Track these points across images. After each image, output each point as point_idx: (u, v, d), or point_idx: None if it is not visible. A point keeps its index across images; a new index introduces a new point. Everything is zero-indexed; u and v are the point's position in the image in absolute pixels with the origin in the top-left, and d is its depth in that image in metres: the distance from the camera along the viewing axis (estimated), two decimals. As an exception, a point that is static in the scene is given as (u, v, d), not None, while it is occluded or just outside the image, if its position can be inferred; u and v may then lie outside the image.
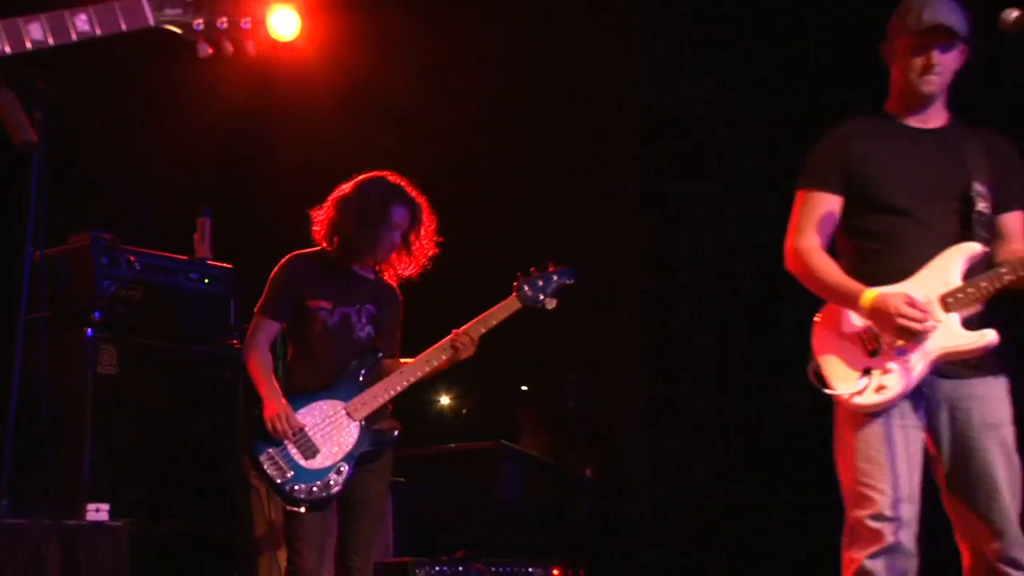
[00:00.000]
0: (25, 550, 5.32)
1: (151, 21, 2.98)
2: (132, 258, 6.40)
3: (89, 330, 6.28)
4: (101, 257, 6.61)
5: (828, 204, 4.67)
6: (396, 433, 5.92)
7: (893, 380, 4.45)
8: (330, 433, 5.71)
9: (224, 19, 3.06)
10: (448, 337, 5.80)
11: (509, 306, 5.84)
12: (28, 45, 2.85)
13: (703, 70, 8.52)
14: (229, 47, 3.04)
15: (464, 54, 8.73)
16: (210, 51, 3.05)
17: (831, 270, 4.61)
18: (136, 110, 7.56)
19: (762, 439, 7.75)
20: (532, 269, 5.88)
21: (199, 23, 3.04)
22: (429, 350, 5.81)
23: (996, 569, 4.39)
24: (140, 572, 5.82)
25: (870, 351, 4.54)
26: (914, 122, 4.73)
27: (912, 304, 4.38)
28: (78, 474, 6.11)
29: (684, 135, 8.76)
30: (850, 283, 4.54)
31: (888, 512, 4.38)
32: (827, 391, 4.51)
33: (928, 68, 4.64)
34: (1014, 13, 4.42)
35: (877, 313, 4.44)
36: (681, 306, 8.29)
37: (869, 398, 4.44)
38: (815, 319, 4.68)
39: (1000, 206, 4.67)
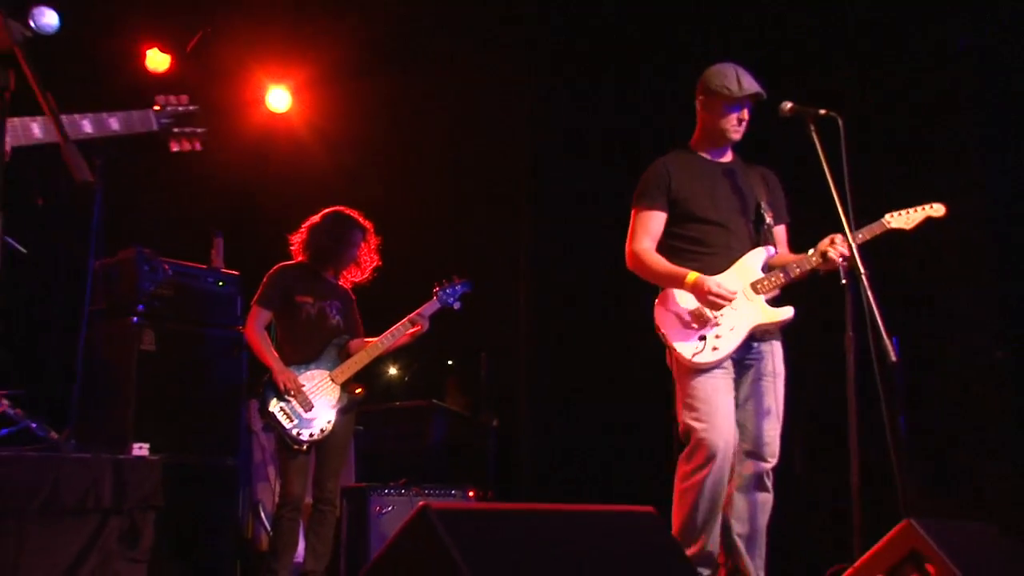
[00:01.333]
0: (88, 477, 5.42)
1: (155, 127, 3.16)
2: (166, 266, 6.60)
3: (134, 318, 6.45)
4: (143, 265, 6.63)
5: (656, 219, 4.84)
6: (360, 393, 6.11)
7: (724, 343, 4.60)
8: (320, 393, 5.94)
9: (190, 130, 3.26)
10: (407, 317, 6.06)
11: (432, 305, 6.09)
12: (81, 134, 2.97)
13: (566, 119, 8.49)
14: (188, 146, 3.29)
15: (399, 117, 8.73)
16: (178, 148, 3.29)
17: (662, 262, 4.77)
18: (169, 159, 7.59)
19: (614, 397, 7.77)
20: (444, 280, 6.18)
21: (176, 130, 3.22)
22: (392, 328, 6.08)
23: (742, 462, 4.65)
24: (169, 494, 5.79)
25: (703, 323, 4.61)
26: (713, 156, 4.97)
27: (719, 286, 4.55)
28: (126, 421, 6.26)
29: (557, 172, 8.69)
30: (677, 269, 4.71)
31: (716, 438, 4.49)
32: (679, 356, 4.60)
33: (740, 122, 4.85)
34: (788, 104, 4.69)
35: (696, 289, 4.62)
36: (557, 303, 8.31)
37: (707, 356, 4.59)
38: (656, 302, 4.77)
39: (773, 221, 4.92)
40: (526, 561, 2.36)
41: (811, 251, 4.63)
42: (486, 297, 6.38)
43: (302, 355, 5.98)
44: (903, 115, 6.84)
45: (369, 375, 6.19)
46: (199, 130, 3.35)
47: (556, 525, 2.60)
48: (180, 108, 3.30)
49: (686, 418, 4.59)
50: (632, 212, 4.89)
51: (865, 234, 4.66)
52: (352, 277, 6.29)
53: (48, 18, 7.29)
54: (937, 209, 4.75)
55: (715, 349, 4.57)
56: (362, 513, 6.42)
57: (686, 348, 4.60)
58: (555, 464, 8.24)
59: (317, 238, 6.15)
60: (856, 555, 3.86)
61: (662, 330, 4.71)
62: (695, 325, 4.63)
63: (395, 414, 8.18)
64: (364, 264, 6.26)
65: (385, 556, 2.41)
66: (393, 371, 9.40)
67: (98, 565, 5.51)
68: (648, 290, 4.86)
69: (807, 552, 4.72)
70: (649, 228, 4.82)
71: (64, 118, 2.95)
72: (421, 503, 2.35)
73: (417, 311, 6.05)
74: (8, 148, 2.80)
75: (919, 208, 4.75)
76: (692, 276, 4.60)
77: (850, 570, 3.80)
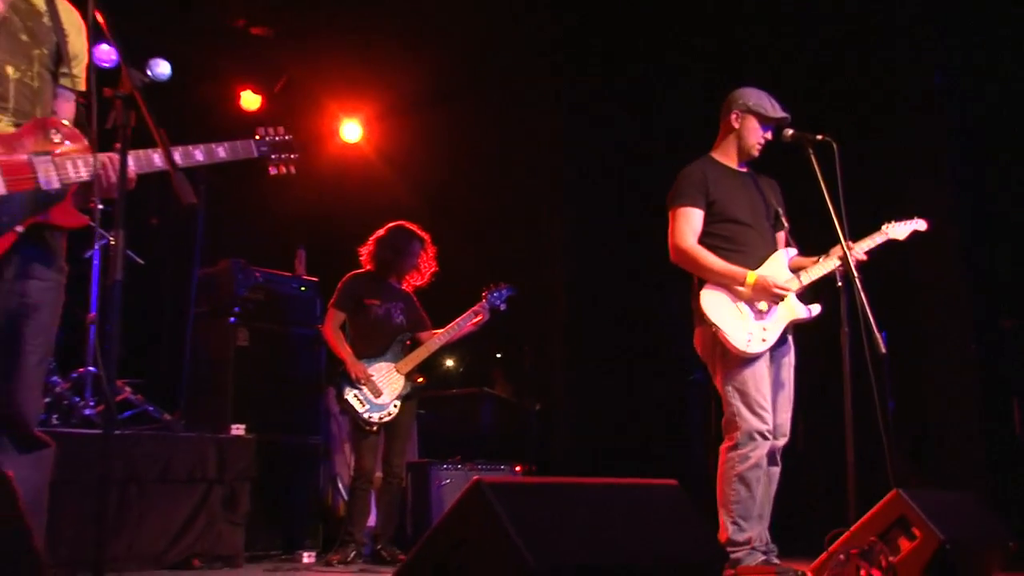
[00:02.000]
0: (195, 452, 5.57)
1: (255, 154, 3.21)
2: (257, 275, 6.65)
3: (231, 319, 6.50)
4: (238, 274, 6.62)
5: (696, 216, 4.55)
6: (421, 381, 6.12)
7: (769, 335, 4.41)
8: (387, 381, 5.93)
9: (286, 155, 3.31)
10: (469, 311, 6.02)
11: (481, 309, 6.03)
12: (194, 161, 3.03)
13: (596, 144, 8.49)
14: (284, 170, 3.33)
15: (450, 142, 8.79)
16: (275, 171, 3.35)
17: (718, 260, 4.47)
18: (259, 183, 7.68)
19: (640, 384, 7.77)
20: (492, 285, 6.08)
21: (273, 156, 3.27)
22: (455, 321, 6.04)
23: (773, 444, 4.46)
24: (262, 467, 5.92)
25: (759, 315, 4.41)
26: (735, 166, 4.73)
27: (785, 282, 4.44)
28: (225, 406, 6.33)
29: (587, 195, 8.60)
30: (736, 268, 4.45)
31: (763, 424, 4.33)
32: (730, 345, 4.35)
33: (764, 141, 4.68)
34: (789, 131, 4.64)
35: (760, 287, 4.40)
36: (588, 303, 8.31)
37: (757, 346, 4.37)
38: (702, 297, 4.44)
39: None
40: (565, 528, 2.39)
41: (823, 257, 4.50)
42: (527, 299, 6.38)
43: (371, 350, 5.97)
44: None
45: (428, 366, 6.20)
46: (293, 156, 3.37)
47: (589, 496, 2.62)
48: (277, 138, 3.31)
49: (736, 404, 4.35)
50: (671, 211, 4.62)
51: (869, 243, 4.60)
52: (413, 281, 6.22)
53: (162, 68, 7.45)
54: (920, 224, 4.70)
55: (763, 340, 4.38)
56: (424, 484, 6.41)
57: (738, 339, 4.34)
58: (588, 442, 8.15)
59: (382, 249, 6.13)
60: (851, 521, 3.87)
61: (713, 322, 4.39)
62: (747, 317, 4.40)
63: (451, 400, 8.18)
64: (423, 270, 6.21)
65: (444, 523, 2.42)
66: (449, 363, 9.39)
67: (205, 526, 5.63)
68: (670, 288, 4.73)
69: (808, 519, 4.66)
70: (692, 225, 4.54)
71: (179, 149, 2.99)
72: (475, 477, 2.36)
73: (472, 309, 6.00)
74: (132, 175, 2.86)
75: (909, 221, 4.70)
76: (753, 275, 4.40)
77: (847, 534, 3.79)
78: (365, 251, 6.22)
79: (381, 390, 5.88)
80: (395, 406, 5.89)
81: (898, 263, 5.95)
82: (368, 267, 6.18)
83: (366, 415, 5.84)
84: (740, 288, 4.43)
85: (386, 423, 5.89)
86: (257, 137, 3.25)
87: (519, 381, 8.77)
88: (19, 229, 2.79)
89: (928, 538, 3.57)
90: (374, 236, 6.23)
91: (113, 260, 2.77)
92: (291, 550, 6.16)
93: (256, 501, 5.89)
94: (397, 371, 5.96)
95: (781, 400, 4.51)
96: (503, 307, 6.06)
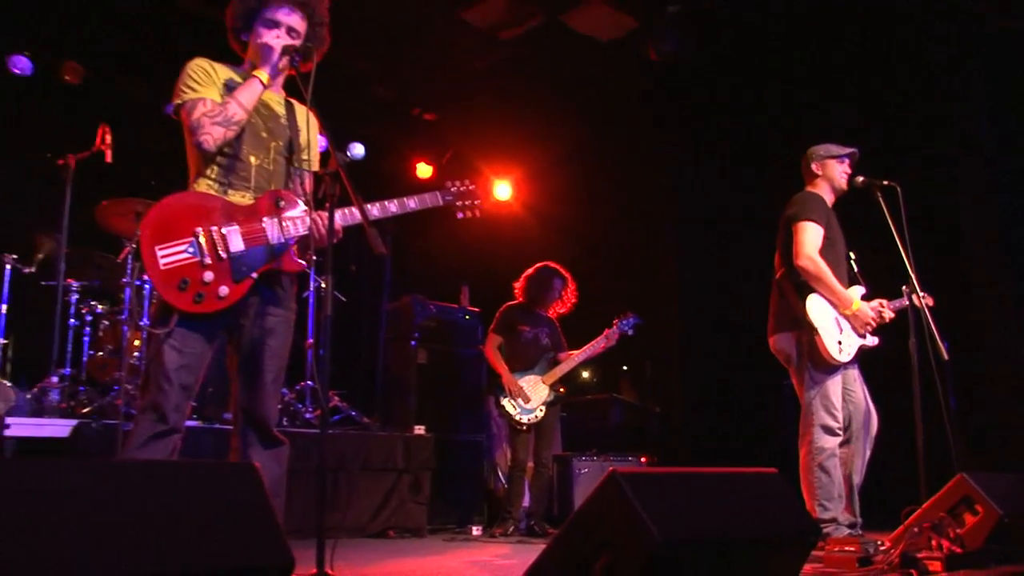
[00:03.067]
0: (387, 448, 5.70)
1: (442, 203, 3.22)
2: (431, 307, 6.72)
3: (412, 342, 6.55)
4: (416, 306, 6.74)
5: (820, 233, 4.26)
6: (562, 391, 6.08)
7: (851, 349, 4.23)
8: (535, 391, 5.91)
9: (471, 202, 3.30)
10: (602, 334, 5.92)
11: (612, 334, 5.90)
12: (389, 212, 3.08)
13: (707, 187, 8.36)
14: (470, 214, 3.29)
15: (583, 195, 8.80)
16: (462, 215, 3.31)
17: (834, 278, 4.23)
18: (433, 235, 7.83)
19: (744, 390, 7.60)
20: (621, 314, 5.95)
21: (459, 203, 3.28)
22: (587, 345, 5.96)
23: (861, 434, 4.32)
24: (439, 459, 6.04)
25: (850, 331, 4.25)
26: (830, 204, 4.48)
27: (869, 315, 4.28)
28: (409, 411, 6.39)
29: (696, 237, 8.45)
30: (846, 293, 4.26)
31: (838, 423, 4.19)
32: (825, 351, 4.14)
33: (847, 174, 4.48)
34: (860, 178, 4.46)
35: (858, 315, 4.25)
36: (700, 324, 8.18)
37: (845, 357, 4.20)
38: (808, 309, 4.18)
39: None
40: (683, 508, 2.37)
41: (896, 301, 4.35)
42: (648, 322, 6.25)
43: (522, 365, 5.96)
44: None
45: (568, 378, 6.13)
46: (478, 202, 3.25)
47: (702, 482, 2.58)
48: (463, 188, 3.23)
49: (815, 404, 4.18)
50: (798, 224, 4.27)
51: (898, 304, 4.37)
52: (558, 310, 6.19)
53: (358, 150, 7.70)
54: (928, 299, 4.38)
55: (848, 353, 4.20)
56: (567, 473, 6.32)
57: (832, 347, 4.14)
58: (700, 438, 8.00)
59: (530, 285, 6.14)
60: (923, 500, 3.77)
61: (816, 327, 4.15)
62: (842, 330, 4.21)
63: (587, 404, 8.11)
64: (566, 301, 6.18)
65: (586, 505, 2.41)
66: (585, 375, 9.31)
67: (397, 505, 5.75)
68: (762, 312, 4.51)
69: (886, 498, 4.48)
70: (817, 239, 4.24)
71: (377, 204, 3.02)
72: (610, 468, 2.35)
73: (604, 333, 5.89)
74: (338, 228, 2.89)
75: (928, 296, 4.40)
76: (856, 305, 4.21)
77: (920, 511, 3.69)
78: (517, 286, 6.21)
79: (530, 397, 5.86)
80: (541, 410, 5.86)
81: (960, 281, 5.82)
82: (520, 299, 6.19)
83: (518, 417, 5.84)
84: (843, 310, 4.25)
85: (534, 424, 5.86)
86: (445, 188, 3.26)
87: (642, 388, 8.66)
88: (254, 275, 2.89)
89: (989, 513, 3.50)
90: (524, 274, 6.22)
91: (324, 299, 2.88)
92: (463, 525, 6.18)
93: (435, 486, 6.01)
94: (543, 382, 5.92)
95: (868, 401, 4.33)
96: (631, 333, 5.94)
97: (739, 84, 7.72)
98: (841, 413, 4.21)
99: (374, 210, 3.01)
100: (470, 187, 3.25)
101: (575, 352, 6.01)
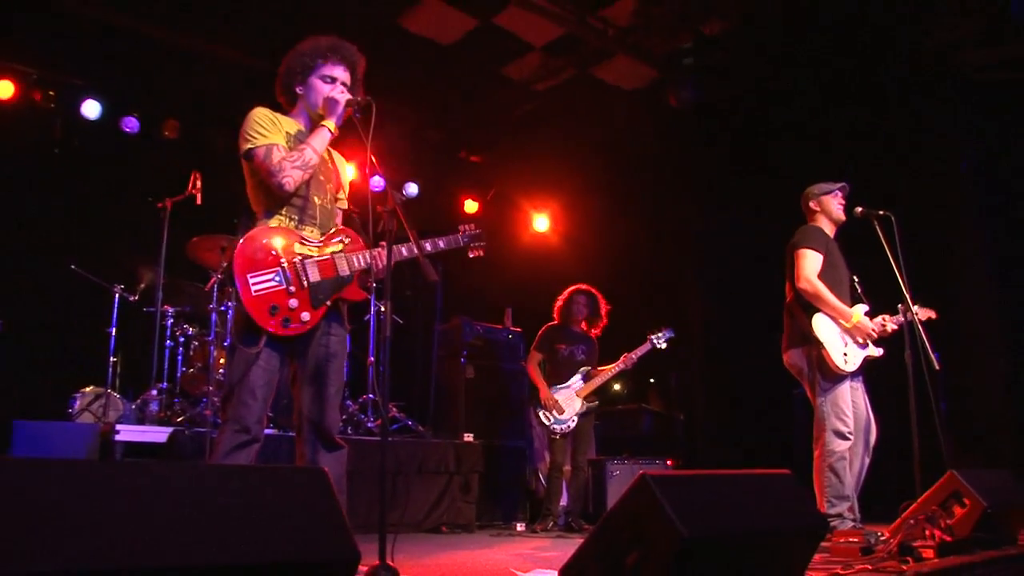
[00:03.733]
0: (440, 453, 5.70)
1: (460, 244, 3.24)
2: (478, 327, 6.74)
3: (462, 359, 6.57)
4: (465, 327, 6.75)
5: (818, 260, 4.26)
6: (596, 402, 5.99)
7: (855, 361, 4.19)
8: (569, 403, 5.86)
9: (478, 243, 3.31)
10: (621, 359, 5.86)
11: (645, 347, 5.84)
12: (426, 250, 3.10)
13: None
14: (478, 253, 3.31)
15: (613, 223, 8.73)
16: (473, 255, 3.34)
17: (832, 296, 4.20)
18: (475, 263, 7.84)
19: (760, 401, 7.45)
20: (654, 329, 5.87)
21: (471, 244, 3.28)
22: (616, 362, 5.89)
23: (862, 439, 4.25)
24: (486, 463, 6.10)
25: (855, 343, 4.20)
26: (831, 235, 4.47)
27: (873, 329, 4.24)
28: (459, 419, 6.42)
29: (717, 261, 8.26)
30: (844, 307, 4.22)
31: (850, 428, 4.14)
32: (831, 362, 4.11)
33: (842, 205, 4.47)
34: (859, 208, 4.44)
35: (858, 327, 4.20)
36: (720, 340, 8.08)
37: (850, 367, 4.16)
38: (814, 326, 4.17)
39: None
40: (707, 506, 2.34)
41: (892, 317, 4.28)
42: (672, 340, 6.20)
43: (559, 379, 5.90)
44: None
45: (601, 390, 6.09)
46: (482, 243, 3.27)
47: (724, 483, 2.55)
48: (473, 231, 3.24)
49: (827, 410, 4.11)
50: (798, 251, 4.30)
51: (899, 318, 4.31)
52: (595, 326, 6.09)
53: (412, 188, 7.74)
54: (932, 313, 4.39)
55: (852, 363, 4.15)
56: (601, 475, 6.26)
57: (837, 358, 4.11)
58: (721, 443, 7.84)
59: (563, 307, 6.11)
60: (917, 494, 3.79)
61: (821, 341, 4.13)
62: (844, 344, 4.17)
63: (619, 413, 8.07)
64: (599, 317, 6.10)
65: (619, 505, 2.39)
66: (617, 387, 9.27)
67: (448, 504, 5.73)
68: (775, 327, 4.48)
69: (884, 493, 4.44)
70: (815, 265, 4.24)
71: (405, 246, 3.01)
72: (640, 471, 2.34)
73: (635, 351, 5.80)
74: (393, 263, 2.89)
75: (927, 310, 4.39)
76: (856, 318, 4.17)
77: (915, 504, 3.72)
78: (557, 307, 6.18)
79: (564, 409, 5.80)
80: (573, 421, 5.80)
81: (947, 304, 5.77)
82: (556, 320, 6.16)
83: (552, 426, 5.80)
84: (844, 323, 4.21)
85: (568, 432, 5.80)
86: (460, 232, 3.31)
87: (668, 398, 8.58)
88: (328, 303, 2.93)
89: (975, 505, 3.56)
90: (560, 296, 6.18)
91: (384, 322, 2.90)
92: (507, 521, 6.15)
93: (482, 487, 6.03)
94: (576, 395, 5.85)
95: (869, 409, 4.28)
96: (664, 346, 5.83)
97: (754, 121, 7.63)
98: (851, 418, 4.15)
99: (402, 251, 3.01)
100: (477, 231, 3.28)
101: (606, 368, 5.94)
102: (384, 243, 2.87)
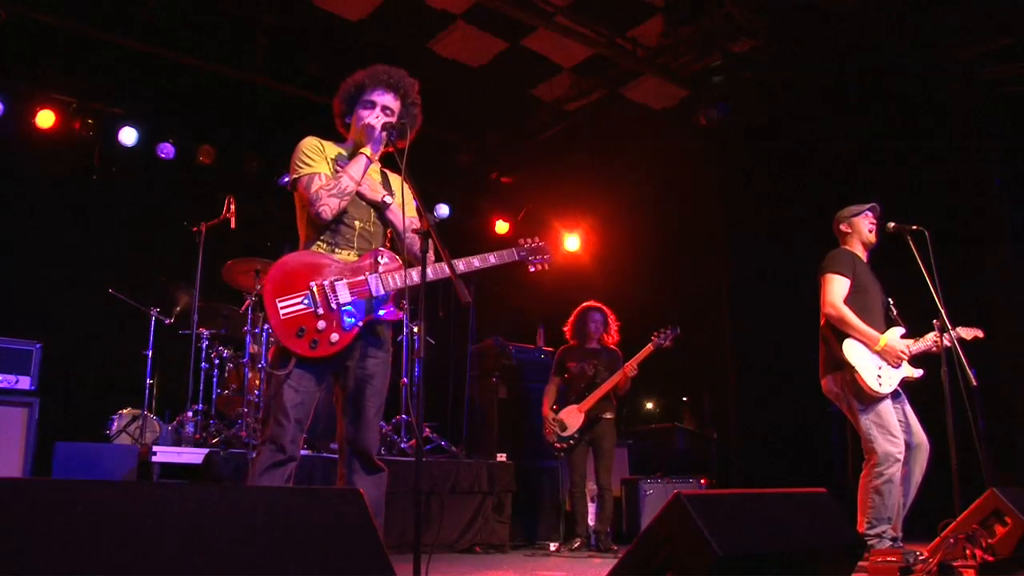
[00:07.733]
0: (474, 472, 5.72)
1: (517, 258, 3.23)
2: (510, 347, 6.71)
3: (494, 379, 6.58)
4: (498, 348, 6.72)
5: (845, 285, 4.25)
6: (609, 416, 5.81)
7: (891, 382, 4.13)
8: (572, 419, 5.77)
9: (541, 257, 3.29)
10: (620, 372, 5.73)
11: (647, 349, 5.69)
12: (473, 267, 3.11)
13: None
14: (541, 267, 3.28)
15: (638, 243, 8.70)
16: (534, 269, 3.29)
17: (859, 321, 4.18)
18: (512, 285, 7.85)
19: (795, 419, 7.37)
20: (660, 330, 5.73)
21: (531, 258, 3.28)
22: (612, 377, 5.75)
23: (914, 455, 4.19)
24: (519, 483, 6.04)
25: (887, 366, 4.15)
26: (863, 258, 4.45)
27: (903, 352, 4.19)
28: (492, 439, 6.40)
29: (747, 282, 8.23)
30: (872, 331, 4.18)
31: (898, 448, 4.08)
32: (865, 385, 4.07)
33: (873, 226, 4.45)
34: (892, 224, 4.41)
35: (887, 350, 4.16)
36: (754, 359, 8.00)
37: (886, 388, 4.11)
38: (845, 351, 4.14)
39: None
40: (742, 525, 2.33)
41: (927, 337, 4.22)
42: (706, 357, 6.18)
43: (570, 397, 5.80)
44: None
45: (634, 409, 6.07)
46: (547, 257, 3.23)
47: (758, 502, 2.54)
48: (534, 244, 3.22)
49: (873, 433, 4.08)
50: (825, 276, 4.31)
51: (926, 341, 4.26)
52: (610, 338, 5.99)
53: (442, 210, 7.80)
54: (979, 333, 4.31)
55: (888, 384, 4.11)
56: (635, 494, 6.25)
57: (871, 380, 4.08)
58: (755, 462, 7.79)
59: (573, 326, 6.06)
60: (957, 513, 3.73)
61: (853, 365, 4.12)
62: (879, 365, 4.13)
63: (653, 432, 8.01)
64: (611, 333, 6.01)
65: (654, 523, 2.39)
66: (649, 406, 9.26)
67: (482, 524, 5.73)
68: (810, 345, 4.45)
69: (925, 511, 4.37)
70: (842, 290, 4.24)
71: (463, 260, 3.02)
72: (675, 491, 2.34)
73: (635, 358, 5.67)
74: (427, 282, 2.83)
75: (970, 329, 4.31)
76: (883, 341, 4.14)
77: (955, 523, 3.66)
78: (566, 330, 6.11)
79: (567, 425, 5.75)
80: (574, 438, 5.72)
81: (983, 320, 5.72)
82: (569, 340, 6.10)
83: (556, 443, 5.77)
84: (874, 348, 4.18)
85: (573, 448, 5.71)
86: (519, 245, 3.29)
87: (701, 418, 8.52)
88: (360, 324, 2.96)
89: (1017, 524, 3.47)
90: (572, 316, 6.12)
91: (417, 343, 2.93)
92: (541, 541, 6.12)
93: (515, 507, 6.00)
94: (579, 411, 5.76)
95: (916, 425, 4.21)
96: (669, 345, 5.68)
97: (785, 139, 7.61)
98: (900, 439, 4.10)
99: (460, 264, 3.02)
100: (540, 244, 3.24)
101: (616, 378, 5.79)
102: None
